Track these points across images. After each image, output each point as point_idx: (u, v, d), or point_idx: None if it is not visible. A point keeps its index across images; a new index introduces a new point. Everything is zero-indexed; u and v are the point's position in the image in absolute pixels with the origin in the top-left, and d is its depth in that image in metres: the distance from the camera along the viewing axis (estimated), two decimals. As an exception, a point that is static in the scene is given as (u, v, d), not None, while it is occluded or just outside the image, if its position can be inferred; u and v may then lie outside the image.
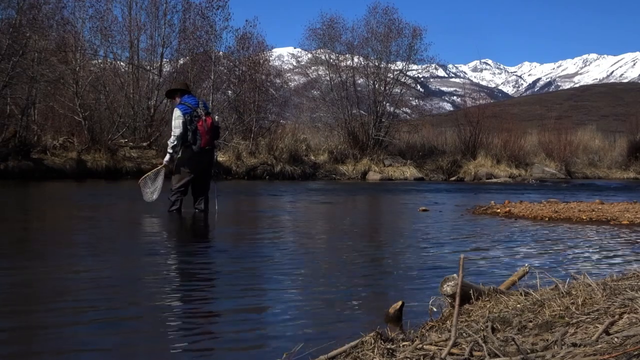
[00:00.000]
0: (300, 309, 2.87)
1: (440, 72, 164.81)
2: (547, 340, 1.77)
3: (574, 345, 1.69)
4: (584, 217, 7.50)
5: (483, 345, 1.72)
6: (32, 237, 5.60)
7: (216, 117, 7.59)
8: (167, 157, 7.36)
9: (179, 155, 7.31)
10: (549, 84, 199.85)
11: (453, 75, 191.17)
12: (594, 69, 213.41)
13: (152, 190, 7.46)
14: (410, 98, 29.89)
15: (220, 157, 20.01)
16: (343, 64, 27.08)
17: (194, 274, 3.77)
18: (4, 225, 6.21)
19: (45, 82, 17.65)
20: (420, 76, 33.11)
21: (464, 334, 1.87)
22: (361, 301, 3.08)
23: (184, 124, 7.07)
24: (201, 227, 6.67)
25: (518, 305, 2.28)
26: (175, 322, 2.65)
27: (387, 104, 27.13)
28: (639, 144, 32.69)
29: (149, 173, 7.67)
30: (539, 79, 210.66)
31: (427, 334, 2.06)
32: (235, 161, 20.74)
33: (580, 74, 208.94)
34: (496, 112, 32.17)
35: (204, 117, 7.16)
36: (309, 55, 31.36)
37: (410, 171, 24.72)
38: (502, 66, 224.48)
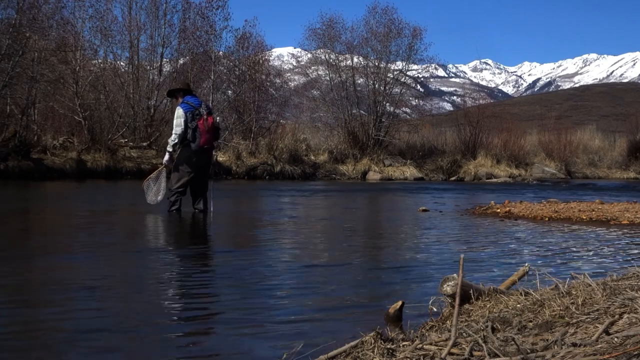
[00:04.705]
0: (300, 308, 2.87)
1: (440, 72, 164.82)
2: (547, 340, 1.77)
3: (574, 345, 1.68)
4: (584, 217, 7.50)
5: (483, 345, 1.72)
6: (31, 237, 5.60)
7: (217, 118, 7.59)
8: (167, 156, 7.38)
9: (176, 155, 7.34)
10: (549, 84, 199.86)
11: (453, 75, 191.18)
12: (594, 69, 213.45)
13: (155, 192, 7.46)
14: (410, 98, 29.90)
15: (220, 157, 20.03)
16: (343, 64, 27.09)
17: (193, 274, 3.77)
18: (4, 226, 6.21)
19: (45, 82, 17.67)
20: (420, 76, 33.12)
21: (464, 334, 1.87)
22: (361, 301, 3.08)
23: (185, 122, 7.09)
24: (200, 227, 6.67)
25: (518, 305, 2.27)
26: (174, 322, 2.65)
27: (387, 103, 27.14)
28: (639, 144, 32.70)
29: (150, 175, 7.68)
30: (539, 79, 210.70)
31: (427, 334, 2.06)
32: (235, 161, 20.75)
33: (580, 74, 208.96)
34: (496, 112, 32.17)
35: (205, 116, 7.18)
36: (309, 55, 31.38)
37: (410, 171, 24.73)
38: (502, 66, 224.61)
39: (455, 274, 2.41)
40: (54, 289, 3.15)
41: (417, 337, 1.97)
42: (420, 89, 35.88)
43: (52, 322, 2.52)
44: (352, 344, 1.84)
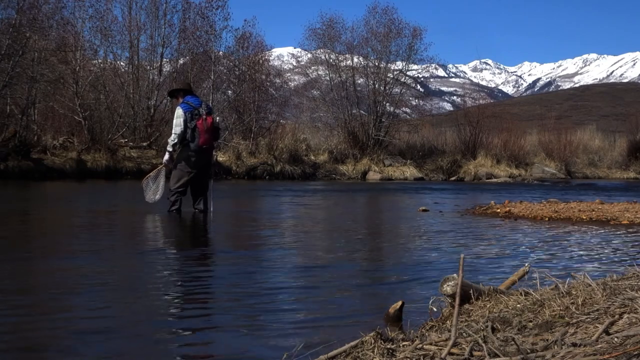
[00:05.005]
0: (300, 309, 2.87)
1: (440, 72, 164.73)
2: (547, 340, 1.77)
3: (574, 345, 1.69)
4: (584, 217, 7.50)
5: (483, 345, 1.72)
6: (31, 238, 5.59)
7: (217, 118, 7.58)
8: (167, 156, 7.38)
9: (176, 155, 7.35)
10: (549, 84, 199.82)
11: (453, 75, 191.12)
12: (594, 69, 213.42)
13: (153, 190, 7.49)
14: (410, 98, 29.90)
15: (220, 157, 20.03)
16: (343, 64, 27.09)
17: (193, 275, 3.76)
18: (4, 226, 6.21)
19: (45, 82, 17.67)
20: (420, 76, 33.13)
21: (464, 334, 1.87)
22: (361, 301, 3.08)
23: (185, 122, 7.09)
24: (201, 227, 6.67)
25: (518, 305, 2.28)
26: (174, 323, 2.65)
27: (387, 103, 27.14)
28: (639, 144, 32.71)
29: (150, 174, 7.71)
30: (539, 79, 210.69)
31: (427, 334, 2.06)
32: (235, 161, 20.76)
33: (580, 74, 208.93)
34: (496, 112, 32.18)
35: (204, 116, 7.17)
36: (309, 55, 31.37)
37: (410, 171, 24.73)
38: (502, 66, 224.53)
39: (455, 274, 2.41)
40: (55, 292, 3.12)
41: (417, 337, 1.97)
42: (420, 89, 35.88)
43: (53, 325, 2.49)
44: (352, 344, 1.84)
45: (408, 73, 28.24)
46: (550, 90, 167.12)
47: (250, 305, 2.90)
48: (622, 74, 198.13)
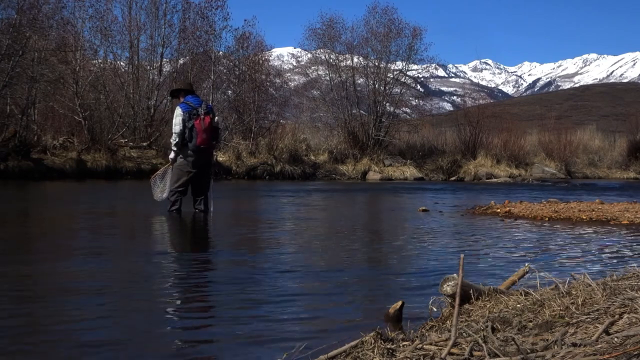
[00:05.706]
0: (300, 309, 2.87)
1: (440, 72, 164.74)
2: (547, 340, 1.77)
3: (574, 345, 1.69)
4: (584, 217, 7.50)
5: (483, 345, 1.73)
6: (31, 240, 5.59)
7: (216, 118, 7.57)
8: (172, 154, 7.39)
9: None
10: (549, 84, 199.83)
11: (453, 75, 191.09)
12: (594, 69, 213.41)
13: (161, 189, 7.51)
14: (410, 98, 29.89)
15: (220, 157, 20.03)
16: (343, 64, 27.08)
17: (193, 275, 3.76)
18: (3, 227, 6.21)
19: (45, 82, 17.68)
20: (420, 76, 33.11)
21: (464, 334, 1.88)
22: (361, 301, 3.08)
23: (183, 121, 7.11)
24: (201, 228, 6.66)
25: (518, 305, 2.28)
26: (174, 322, 2.65)
27: (387, 103, 27.13)
28: (639, 144, 32.69)
29: (157, 172, 7.75)
30: (539, 79, 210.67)
31: (427, 334, 2.06)
32: (235, 161, 20.76)
33: (580, 74, 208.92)
34: (496, 112, 32.15)
35: (202, 116, 7.17)
36: (309, 55, 31.36)
37: (410, 171, 24.73)
38: (502, 66, 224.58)
39: (455, 274, 2.41)
40: (55, 298, 3.08)
41: (417, 337, 1.97)
42: (420, 89, 35.86)
43: (54, 336, 2.42)
44: (352, 344, 1.84)
45: (408, 73, 28.24)
46: (550, 90, 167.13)
47: (249, 305, 2.90)
48: (622, 74, 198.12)
